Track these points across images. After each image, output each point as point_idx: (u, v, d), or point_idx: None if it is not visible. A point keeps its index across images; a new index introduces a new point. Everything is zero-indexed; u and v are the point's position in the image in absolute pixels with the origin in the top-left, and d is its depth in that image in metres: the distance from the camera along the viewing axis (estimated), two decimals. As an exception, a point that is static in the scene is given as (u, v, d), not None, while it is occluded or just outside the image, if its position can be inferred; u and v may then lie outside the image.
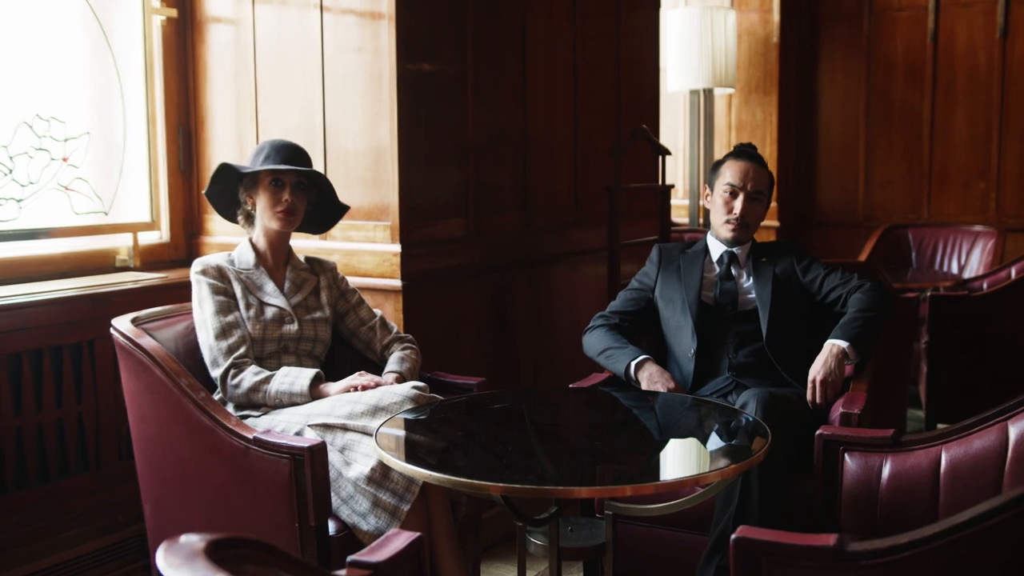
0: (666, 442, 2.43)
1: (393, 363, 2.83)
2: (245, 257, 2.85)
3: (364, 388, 2.61)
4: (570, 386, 2.92)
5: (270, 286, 2.82)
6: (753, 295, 3.04)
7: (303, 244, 3.30)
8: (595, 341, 3.03)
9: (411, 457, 2.18)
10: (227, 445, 2.41)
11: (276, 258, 2.88)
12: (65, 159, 3.34)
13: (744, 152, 3.14)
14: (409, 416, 2.45)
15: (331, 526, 2.41)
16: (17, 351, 2.96)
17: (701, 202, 6.01)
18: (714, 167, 3.19)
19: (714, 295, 3.06)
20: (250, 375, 2.65)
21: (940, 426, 4.72)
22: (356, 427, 2.48)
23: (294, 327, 2.79)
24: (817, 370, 2.78)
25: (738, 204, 3.06)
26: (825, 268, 3.06)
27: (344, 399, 2.54)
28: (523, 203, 3.85)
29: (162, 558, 1.16)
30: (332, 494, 2.42)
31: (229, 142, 3.63)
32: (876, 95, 6.54)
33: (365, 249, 3.30)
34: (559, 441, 2.45)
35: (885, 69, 6.50)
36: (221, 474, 2.46)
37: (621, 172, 3.94)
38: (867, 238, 6.09)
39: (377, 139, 3.27)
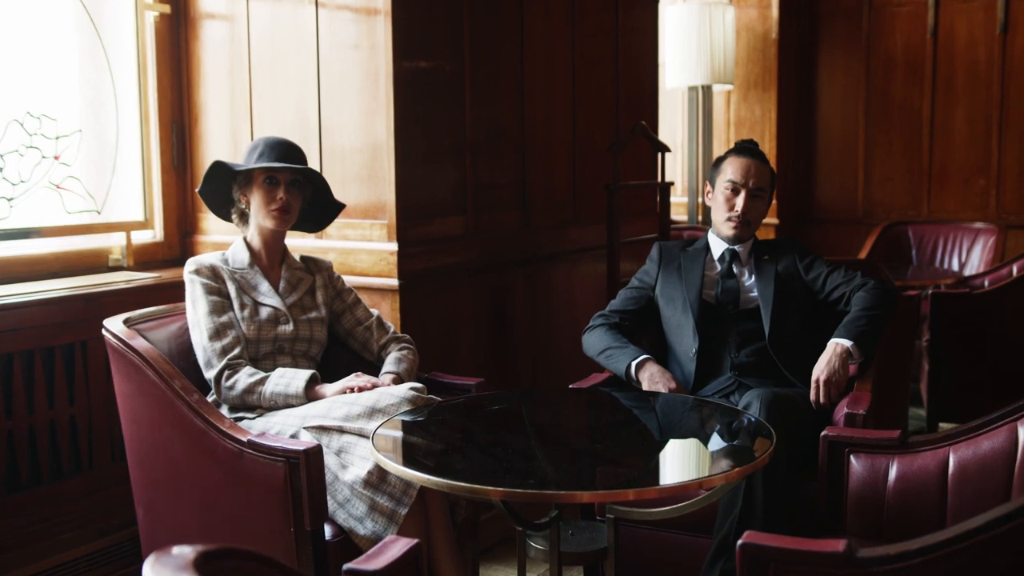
0: (669, 444, 2.39)
1: (390, 364, 2.79)
2: (239, 256, 2.80)
3: (361, 389, 2.56)
4: (570, 386, 2.87)
5: (265, 286, 2.77)
6: (755, 293, 3.00)
7: (298, 243, 3.26)
8: (595, 341, 2.99)
9: (408, 460, 2.14)
10: (221, 448, 2.36)
11: (271, 257, 2.83)
12: (57, 157, 3.29)
13: (746, 148, 3.09)
14: (406, 418, 2.41)
15: (327, 531, 2.37)
16: (9, 352, 2.91)
17: (702, 200, 6.02)
18: (715, 164, 3.14)
19: (716, 293, 3.02)
20: (244, 376, 2.60)
21: (942, 425, 4.71)
22: (353, 429, 2.43)
23: (289, 327, 2.75)
24: (821, 370, 2.74)
25: (740, 201, 3.02)
26: (828, 266, 3.02)
27: (340, 401, 2.50)
28: (521, 201, 3.81)
29: (149, 570, 1.12)
30: (328, 498, 2.38)
31: (223, 139, 3.59)
32: (875, 91, 6.51)
33: (361, 248, 3.25)
34: (559, 443, 2.41)
35: (884, 65, 6.46)
36: (215, 478, 2.42)
37: (620, 169, 3.90)
38: (866, 235, 6.06)
39: (373, 136, 3.23)
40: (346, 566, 1.50)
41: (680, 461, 2.27)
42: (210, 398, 2.64)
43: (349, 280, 3.06)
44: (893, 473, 2.20)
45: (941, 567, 1.45)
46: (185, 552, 1.14)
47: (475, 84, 3.51)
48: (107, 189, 3.46)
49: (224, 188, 2.82)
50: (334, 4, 3.28)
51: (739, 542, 1.54)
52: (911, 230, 5.91)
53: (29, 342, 2.96)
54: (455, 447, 2.30)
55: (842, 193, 6.67)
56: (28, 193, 3.21)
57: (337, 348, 2.92)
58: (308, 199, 2.85)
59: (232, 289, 2.73)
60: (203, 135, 3.65)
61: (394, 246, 3.19)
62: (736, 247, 3.07)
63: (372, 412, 2.44)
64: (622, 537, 2.46)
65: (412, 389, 2.52)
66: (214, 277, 2.72)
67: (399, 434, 2.31)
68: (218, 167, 2.75)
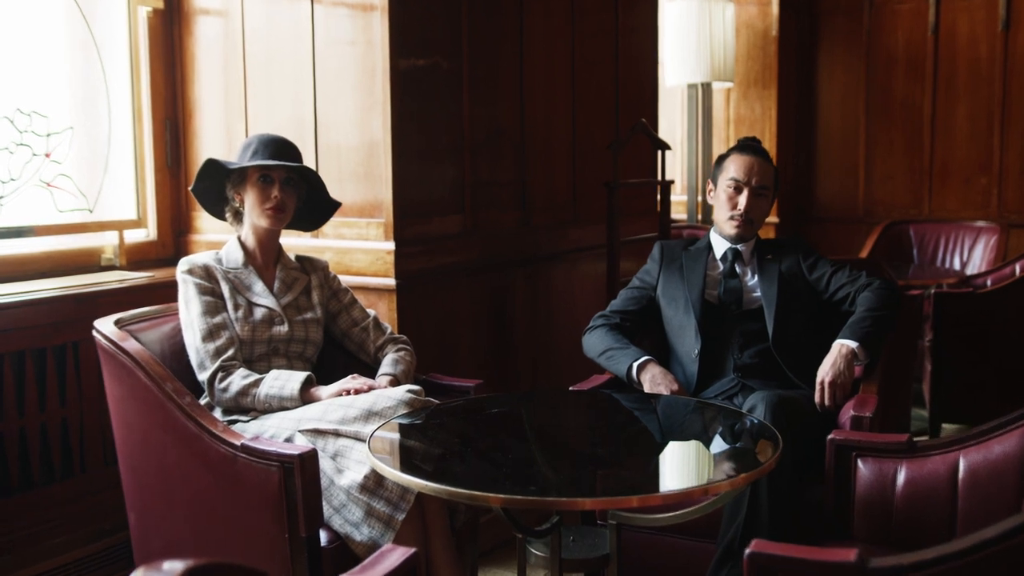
0: (672, 448, 2.34)
1: (387, 365, 2.74)
2: (233, 256, 2.75)
3: (357, 392, 2.51)
4: (570, 388, 2.82)
5: (259, 286, 2.72)
6: (758, 293, 2.95)
7: (294, 242, 3.20)
8: (595, 341, 2.94)
9: (406, 465, 2.09)
10: (214, 452, 2.31)
11: (265, 257, 2.78)
12: (47, 155, 3.24)
13: (748, 146, 3.04)
14: (404, 421, 2.36)
15: (323, 536, 2.32)
16: (-1, 353, 2.87)
17: (701, 198, 5.98)
18: (718, 161, 3.09)
19: (718, 294, 2.97)
20: (238, 378, 2.55)
21: (945, 425, 4.67)
22: (349, 433, 2.38)
23: (284, 328, 2.69)
24: (826, 371, 2.69)
25: (742, 200, 2.98)
26: (832, 265, 2.98)
27: (336, 403, 2.45)
28: (521, 200, 3.76)
29: (136, 586, 1.06)
30: (324, 503, 2.33)
31: (218, 137, 3.54)
32: (876, 89, 6.46)
33: (358, 247, 3.21)
34: (560, 447, 2.36)
35: (885, 63, 6.42)
36: (208, 482, 2.37)
37: (620, 168, 3.85)
38: (867, 234, 6.02)
39: (370, 134, 3.18)
40: (341, 577, 1.44)
41: (684, 466, 2.22)
42: (203, 400, 2.59)
43: (345, 280, 3.01)
44: (902, 478, 2.15)
45: (957, 577, 1.40)
46: (176, 568, 1.09)
47: (474, 82, 3.47)
48: (99, 187, 3.41)
49: (218, 186, 2.77)
50: (330, 0, 3.22)
51: (747, 551, 1.48)
52: (912, 229, 5.87)
53: (20, 343, 2.91)
54: (453, 451, 2.25)
55: (842, 191, 6.64)
56: (18, 191, 3.15)
57: (333, 349, 2.87)
58: (303, 197, 2.80)
59: (226, 289, 2.67)
60: (197, 132, 3.59)
61: (391, 245, 3.14)
62: (739, 246, 3.02)
63: (369, 415, 2.39)
64: (624, 542, 2.41)
65: (409, 391, 2.47)
66: (207, 277, 2.67)
67: (396, 438, 2.26)
68: (211, 165, 2.70)
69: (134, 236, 3.52)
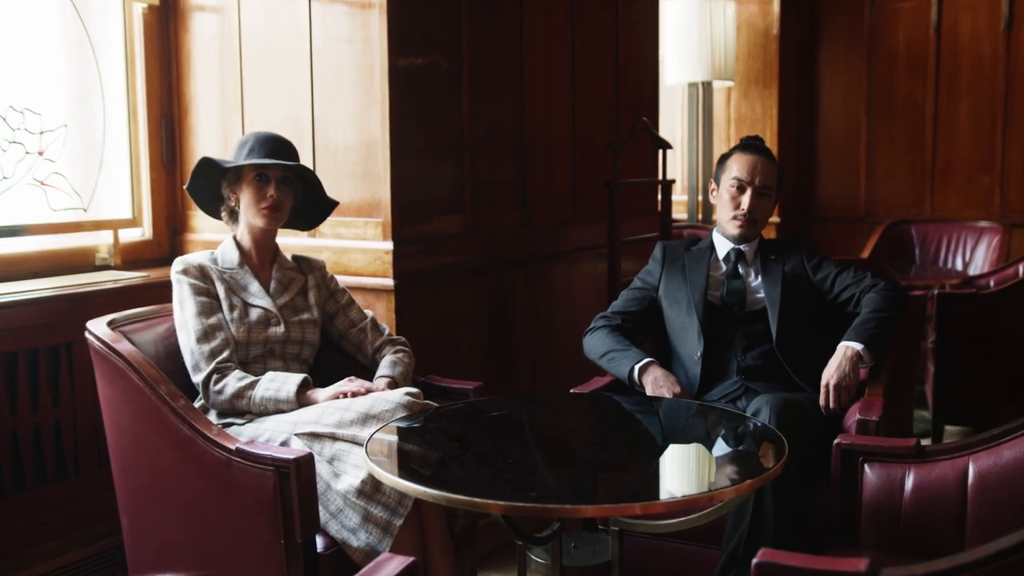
0: (675, 453, 2.30)
1: (385, 367, 2.70)
2: (229, 256, 2.71)
3: (354, 394, 2.47)
4: (571, 391, 2.78)
5: (255, 286, 2.68)
6: (762, 294, 2.90)
7: (290, 242, 3.16)
8: (597, 343, 2.90)
9: (404, 470, 2.05)
10: (208, 456, 2.27)
11: (261, 257, 2.74)
12: (41, 153, 3.19)
13: (751, 145, 3.00)
14: (402, 424, 2.32)
15: (319, 542, 2.28)
16: (-9, 354, 2.82)
17: (702, 198, 5.94)
18: (720, 161, 3.05)
19: (721, 294, 2.93)
20: (233, 380, 2.51)
21: (948, 427, 4.64)
22: (346, 436, 2.34)
23: (280, 329, 2.65)
24: (831, 374, 2.65)
25: (746, 199, 2.94)
26: (836, 266, 2.93)
27: (333, 406, 2.40)
28: (521, 199, 3.72)
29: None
30: (320, 508, 2.28)
31: (214, 135, 3.50)
32: (878, 88, 6.43)
33: (355, 247, 3.16)
34: (561, 452, 2.31)
35: (887, 61, 6.39)
36: (202, 487, 2.32)
37: (620, 168, 3.81)
38: (868, 234, 5.98)
39: (368, 132, 3.14)
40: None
41: (688, 472, 2.18)
42: (198, 403, 2.55)
43: (343, 280, 2.97)
44: (910, 483, 2.11)
45: (971, 588, 1.36)
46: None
47: (474, 80, 3.43)
48: (93, 186, 3.37)
49: (213, 185, 2.72)
50: (328, -4, 3.19)
51: (754, 561, 1.44)
52: (914, 229, 5.83)
53: (12, 344, 2.87)
54: (452, 456, 2.21)
55: (844, 191, 6.60)
56: (11, 190, 3.11)
57: (330, 351, 2.82)
58: (300, 196, 2.75)
59: (221, 290, 2.63)
60: (193, 130, 3.55)
61: (389, 245, 3.10)
62: (742, 246, 2.98)
63: (366, 418, 2.35)
64: (626, 548, 2.37)
65: (408, 394, 2.42)
66: (202, 277, 2.63)
67: (394, 442, 2.22)
68: (205, 163, 2.65)
69: (129, 235, 3.47)
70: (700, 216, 5.95)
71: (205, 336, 2.55)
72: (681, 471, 2.18)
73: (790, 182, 6.49)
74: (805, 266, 2.94)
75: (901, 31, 6.31)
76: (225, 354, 2.54)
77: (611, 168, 3.82)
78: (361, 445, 2.27)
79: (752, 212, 2.93)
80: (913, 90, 6.31)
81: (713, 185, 3.07)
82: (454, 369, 3.29)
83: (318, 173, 3.15)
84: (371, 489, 2.27)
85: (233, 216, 2.74)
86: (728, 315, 2.89)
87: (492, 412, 2.54)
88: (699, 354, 2.83)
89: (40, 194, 3.20)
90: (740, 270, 2.96)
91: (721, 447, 2.28)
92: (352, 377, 2.57)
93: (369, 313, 2.86)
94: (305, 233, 3.19)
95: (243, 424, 2.49)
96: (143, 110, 3.49)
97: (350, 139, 3.18)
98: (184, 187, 2.78)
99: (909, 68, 6.31)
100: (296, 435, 2.37)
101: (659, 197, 4.23)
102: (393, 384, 2.62)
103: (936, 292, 4.34)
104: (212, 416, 2.53)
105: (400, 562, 1.51)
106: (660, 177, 4.17)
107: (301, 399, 2.49)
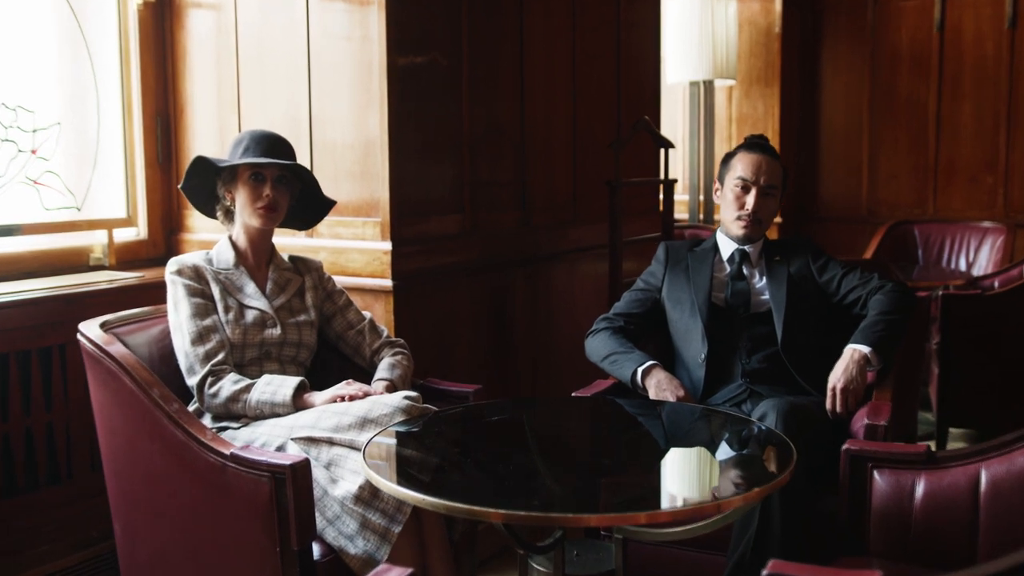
0: (680, 459, 2.25)
1: (383, 370, 2.65)
2: (224, 256, 2.66)
3: (352, 398, 2.42)
4: (573, 394, 2.73)
5: (251, 287, 2.63)
6: (767, 296, 2.85)
7: (287, 242, 3.11)
8: (599, 345, 2.85)
9: (402, 477, 2.00)
10: (202, 461, 2.22)
11: (257, 257, 2.69)
12: (34, 151, 3.14)
13: (756, 144, 2.95)
14: (400, 429, 2.27)
15: (316, 550, 2.22)
16: (-17, 356, 2.78)
17: (703, 197, 5.89)
18: (724, 160, 3.00)
19: (725, 296, 2.88)
20: (229, 383, 2.46)
21: (952, 430, 4.59)
22: (343, 441, 2.29)
23: (277, 331, 2.60)
24: (838, 377, 2.60)
25: (750, 199, 2.89)
26: (843, 267, 2.89)
27: (330, 410, 2.35)
28: (521, 199, 3.68)
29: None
30: (317, 515, 2.23)
31: (210, 133, 3.45)
32: (880, 87, 6.38)
33: (354, 247, 3.11)
34: (563, 458, 2.26)
35: (890, 60, 6.34)
36: (196, 493, 2.27)
37: (621, 167, 3.76)
38: (870, 234, 5.94)
39: (366, 131, 3.09)
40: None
41: (693, 479, 2.13)
42: (192, 406, 2.50)
43: (340, 281, 2.92)
44: (920, 490, 2.06)
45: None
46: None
47: (473, 79, 3.38)
48: (87, 185, 3.32)
49: (209, 184, 2.68)
50: (325, -7, 3.14)
51: (764, 573, 1.39)
52: (917, 229, 5.78)
53: (4, 345, 2.83)
54: (452, 462, 2.16)
55: (846, 190, 6.55)
56: (4, 188, 3.06)
57: (327, 353, 2.77)
58: (296, 196, 2.70)
59: (216, 291, 2.58)
60: (189, 128, 3.50)
61: (388, 245, 3.05)
62: (746, 247, 2.93)
63: (364, 423, 2.30)
64: (630, 555, 2.32)
65: (406, 398, 2.37)
66: (197, 278, 2.58)
67: (392, 447, 2.17)
68: (200, 163, 2.60)
69: (124, 235, 3.43)
70: (701, 216, 5.90)
71: (200, 338, 2.50)
72: (686, 478, 2.13)
73: (792, 182, 6.42)
74: (811, 267, 2.89)
75: (904, 30, 6.26)
76: (220, 357, 2.49)
77: (611, 167, 3.77)
78: (359, 450, 2.22)
79: (757, 212, 2.89)
80: (916, 89, 6.27)
81: (717, 185, 3.02)
82: (453, 371, 3.24)
83: (316, 172, 3.11)
84: (369, 495, 2.22)
85: (229, 216, 2.69)
86: (732, 317, 2.84)
87: (492, 416, 2.49)
88: (703, 357, 2.78)
89: (33, 193, 3.15)
90: (745, 271, 2.91)
91: (727, 453, 2.23)
92: (350, 380, 2.52)
93: (367, 315, 2.82)
94: (302, 233, 3.14)
95: (238, 428, 2.44)
96: (138, 108, 3.44)
97: (348, 138, 3.13)
98: (179, 186, 2.73)
99: (912, 67, 6.26)
100: (292, 440, 2.32)
101: (661, 197, 4.18)
102: (392, 387, 2.57)
103: (940, 293, 4.30)
104: (207, 420, 2.48)
105: (399, 574, 1.46)
106: (662, 176, 4.12)
107: (298, 403, 2.45)
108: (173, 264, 2.60)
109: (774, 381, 2.72)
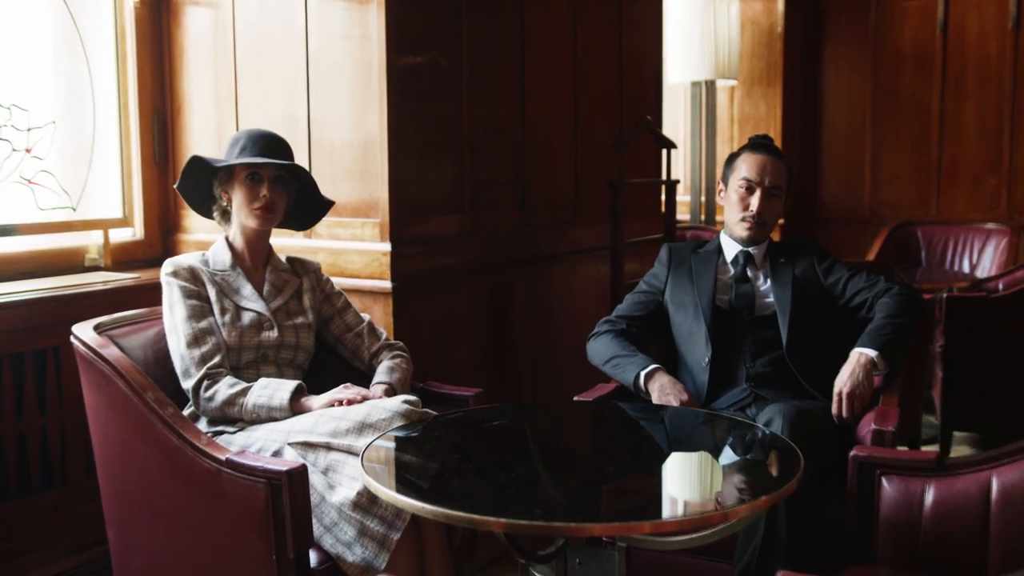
0: (685, 466, 2.21)
1: (382, 373, 2.61)
2: (221, 257, 2.61)
3: (350, 402, 2.37)
4: (575, 399, 2.69)
5: (247, 289, 2.59)
6: (771, 299, 2.81)
7: (285, 243, 3.07)
8: (601, 348, 2.81)
9: (401, 483, 1.95)
10: (197, 467, 2.17)
11: (254, 258, 2.64)
12: (28, 150, 3.10)
13: (760, 144, 2.91)
14: (399, 434, 2.22)
15: (313, 557, 2.18)
16: (-25, 358, 2.74)
17: (705, 198, 5.85)
18: (728, 160, 2.96)
19: (729, 299, 2.84)
20: (225, 387, 2.41)
21: (956, 433, 4.55)
22: (341, 446, 2.24)
23: (274, 334, 2.56)
24: (844, 381, 2.56)
25: (755, 200, 2.84)
26: (848, 269, 2.84)
27: (328, 415, 2.31)
28: (521, 200, 3.64)
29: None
30: (314, 521, 2.19)
31: (207, 132, 3.41)
32: (883, 87, 6.34)
33: (352, 248, 3.07)
34: (565, 464, 2.22)
35: (893, 60, 6.30)
36: (190, 499, 2.23)
37: (622, 167, 3.72)
38: (873, 235, 5.90)
39: (365, 131, 3.05)
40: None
41: (698, 486, 2.09)
42: (188, 410, 2.46)
43: (339, 282, 2.88)
44: (930, 497, 2.02)
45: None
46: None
47: (473, 78, 3.35)
48: (83, 184, 3.28)
49: (205, 184, 2.63)
50: (324, -10, 3.10)
51: (774, 586, 1.35)
52: (920, 231, 5.75)
53: (-3, 347, 2.78)
54: (452, 469, 2.12)
55: (848, 191, 6.51)
56: (-3, 188, 3.03)
57: (325, 356, 2.73)
58: (294, 196, 2.66)
59: (212, 292, 2.54)
60: (186, 128, 3.46)
61: (387, 246, 3.01)
62: (750, 249, 2.89)
63: (362, 427, 2.26)
64: (634, 564, 2.28)
65: (405, 402, 2.33)
66: (193, 279, 2.53)
67: (391, 453, 2.13)
68: (196, 162, 2.56)
69: (120, 235, 3.39)
70: (703, 217, 5.86)
71: (195, 341, 2.46)
72: (691, 485, 2.09)
73: (794, 183, 6.39)
74: (816, 269, 2.85)
75: (907, 30, 6.22)
76: (216, 359, 2.45)
77: (612, 167, 3.73)
78: (357, 455, 2.18)
79: (761, 214, 2.84)
80: (919, 90, 6.23)
81: (721, 186, 2.98)
82: (453, 373, 3.20)
83: (314, 172, 3.07)
84: (367, 502, 2.18)
85: (225, 216, 2.65)
86: (737, 320, 2.80)
87: (493, 421, 2.45)
88: (707, 360, 2.74)
89: (27, 193, 3.12)
90: (749, 273, 2.87)
91: (732, 459, 2.19)
92: (348, 384, 2.48)
93: (366, 317, 2.77)
94: (300, 234, 3.11)
95: (234, 433, 2.40)
96: (134, 107, 3.40)
97: (347, 137, 3.09)
98: (174, 186, 2.69)
99: (915, 67, 6.22)
100: (289, 445, 2.28)
101: (663, 198, 4.15)
102: (391, 391, 2.52)
103: (945, 296, 4.26)
104: (202, 424, 2.44)
105: (397, 585, 1.43)
106: (664, 177, 4.08)
107: (295, 407, 2.40)
108: (168, 265, 2.56)
109: (779, 385, 2.68)
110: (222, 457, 2.16)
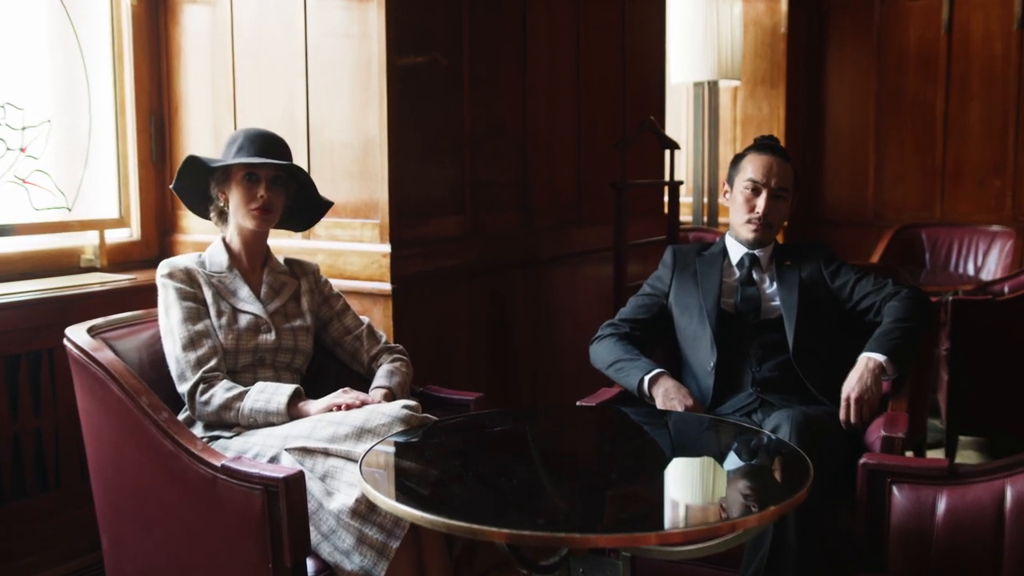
0: (691, 474, 2.16)
1: (381, 377, 2.56)
2: (217, 258, 2.57)
3: (349, 407, 2.33)
4: (577, 403, 2.64)
5: (244, 291, 2.54)
6: (777, 302, 2.77)
7: (283, 244, 3.03)
8: (604, 352, 2.76)
9: (401, 491, 1.91)
10: (192, 473, 2.13)
11: (252, 260, 2.60)
12: (23, 149, 3.06)
13: (766, 145, 2.87)
14: (399, 440, 2.18)
15: (310, 566, 2.14)
16: (-32, 360, 2.70)
17: (707, 200, 5.80)
18: (734, 161, 2.92)
19: (735, 302, 2.79)
20: (221, 391, 2.37)
21: (961, 437, 4.50)
22: (339, 452, 2.20)
23: (271, 337, 2.51)
24: (852, 387, 2.51)
25: (760, 202, 2.80)
26: (856, 272, 2.80)
27: (326, 420, 2.26)
28: (523, 200, 3.59)
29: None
30: (311, 529, 2.15)
31: (205, 132, 3.37)
32: (887, 88, 6.30)
33: (351, 249, 3.03)
34: (568, 471, 2.17)
35: (897, 61, 6.26)
36: (186, 506, 2.18)
37: (625, 168, 3.68)
38: (876, 237, 5.85)
39: (365, 130, 3.01)
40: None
41: (705, 495, 2.04)
42: (183, 414, 2.42)
43: (338, 284, 2.83)
44: (942, 506, 1.97)
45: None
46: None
47: (474, 77, 3.31)
48: (78, 184, 3.23)
49: (202, 183, 2.59)
50: (324, -12, 3.06)
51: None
52: (924, 233, 5.70)
53: (-9, 349, 2.74)
54: (453, 476, 2.07)
55: (851, 193, 6.47)
56: (-9, 188, 2.98)
57: (324, 359, 2.68)
58: (292, 197, 2.61)
59: (208, 294, 2.49)
60: (183, 127, 3.42)
61: (387, 247, 2.97)
62: (756, 251, 2.84)
63: (361, 433, 2.21)
64: (638, 573, 2.23)
65: (405, 407, 2.28)
66: (189, 281, 2.49)
67: (390, 459, 2.08)
68: (192, 162, 2.51)
69: (116, 236, 3.35)
70: (705, 219, 5.81)
71: (191, 344, 2.41)
72: (697, 494, 2.04)
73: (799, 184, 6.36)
74: (823, 272, 2.81)
75: (911, 30, 6.18)
76: (212, 363, 2.40)
77: (615, 168, 3.69)
78: (355, 461, 2.14)
79: (767, 215, 2.80)
80: (923, 91, 6.18)
81: (726, 187, 2.94)
82: (452, 376, 3.16)
83: (313, 172, 3.03)
84: (366, 509, 2.13)
85: (223, 217, 2.60)
86: (742, 324, 2.75)
87: (494, 426, 2.41)
88: (712, 365, 2.69)
89: (22, 192, 3.08)
90: (755, 276, 2.82)
91: (740, 468, 2.14)
92: (347, 388, 2.43)
93: (365, 319, 2.73)
94: (299, 235, 3.07)
95: (230, 438, 2.35)
96: (131, 106, 3.36)
97: (346, 137, 3.05)
98: (170, 186, 2.64)
99: (919, 68, 6.18)
100: (286, 450, 2.23)
101: (666, 199, 4.10)
102: (390, 395, 2.48)
103: (950, 298, 4.22)
104: (198, 429, 2.39)
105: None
106: (668, 178, 4.03)
107: (292, 411, 2.36)
108: (164, 267, 2.51)
109: (785, 390, 2.63)
110: (217, 463, 2.11)
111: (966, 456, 4.59)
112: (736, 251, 2.87)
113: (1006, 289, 4.58)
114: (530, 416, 2.73)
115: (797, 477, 1.89)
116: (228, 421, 2.37)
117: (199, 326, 2.44)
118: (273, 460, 2.23)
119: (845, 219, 6.48)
